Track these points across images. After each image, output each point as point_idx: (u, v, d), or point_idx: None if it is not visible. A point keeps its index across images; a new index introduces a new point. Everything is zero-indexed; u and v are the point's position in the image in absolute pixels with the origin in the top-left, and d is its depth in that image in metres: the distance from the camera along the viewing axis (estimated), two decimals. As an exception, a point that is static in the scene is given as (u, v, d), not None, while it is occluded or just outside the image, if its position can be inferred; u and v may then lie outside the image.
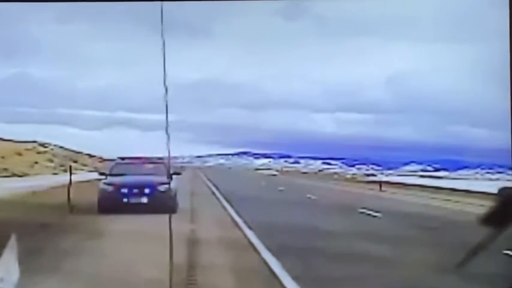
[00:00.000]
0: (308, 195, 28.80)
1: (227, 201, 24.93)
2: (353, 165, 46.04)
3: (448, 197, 29.54)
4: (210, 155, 46.92)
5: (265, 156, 47.77)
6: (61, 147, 37.02)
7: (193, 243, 14.10)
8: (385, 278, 11.00)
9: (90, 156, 38.68)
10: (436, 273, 11.18)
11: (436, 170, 42.46)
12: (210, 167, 45.97)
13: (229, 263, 12.03)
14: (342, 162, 46.45)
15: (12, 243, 3.17)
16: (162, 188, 21.08)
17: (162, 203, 19.56)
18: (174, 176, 21.90)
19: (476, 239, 2.83)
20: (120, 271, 11.03)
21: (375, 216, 21.19)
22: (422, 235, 17.25)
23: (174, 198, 20.49)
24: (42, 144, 36.25)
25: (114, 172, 22.72)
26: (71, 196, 21.41)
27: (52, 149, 36.59)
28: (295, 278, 10.45)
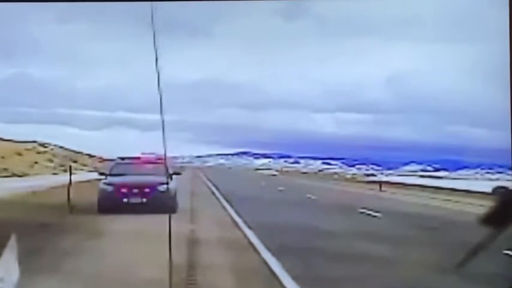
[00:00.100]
0: (308, 195, 28.81)
1: (227, 201, 24.93)
2: (353, 165, 46.08)
3: (448, 197, 29.56)
4: (210, 155, 46.95)
5: (265, 156, 47.80)
6: (61, 147, 37.03)
7: (193, 243, 14.11)
8: (385, 278, 11.00)
9: (90, 156, 38.68)
10: (436, 273, 11.18)
11: (436, 170, 42.49)
12: (210, 167, 45.99)
13: (229, 263, 12.03)
14: (342, 162, 46.48)
15: (12, 243, 3.17)
16: (161, 188, 21.08)
17: (161, 203, 19.56)
18: (173, 176, 21.91)
19: (476, 239, 2.83)
20: (120, 271, 11.03)
21: (374, 216, 21.19)
22: (422, 235, 17.26)
23: (173, 198, 20.49)
24: (42, 144, 36.26)
25: (114, 172, 22.72)
26: (71, 196, 21.41)
27: (52, 149, 36.59)
28: (295, 278, 10.45)
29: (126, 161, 23.75)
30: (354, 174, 44.96)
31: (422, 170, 42.81)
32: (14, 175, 31.03)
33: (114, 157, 24.92)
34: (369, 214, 21.68)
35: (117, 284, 10.33)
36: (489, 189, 25.17)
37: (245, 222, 18.15)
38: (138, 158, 23.64)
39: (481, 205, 19.16)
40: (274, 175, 44.63)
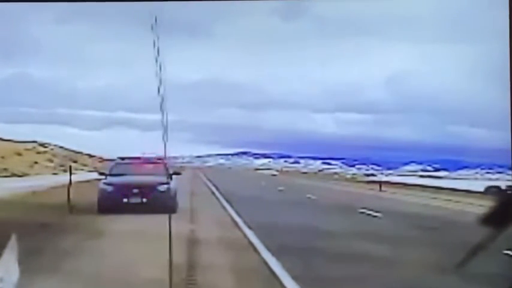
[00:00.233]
0: (308, 195, 28.80)
1: (227, 201, 24.92)
2: (353, 165, 46.03)
3: (448, 197, 29.54)
4: (209, 155, 46.90)
5: (265, 156, 47.75)
6: (61, 147, 37.01)
7: (193, 243, 14.10)
8: (385, 278, 11.00)
9: (90, 156, 38.66)
10: (436, 273, 11.18)
11: (436, 170, 42.46)
12: (209, 167, 45.95)
13: (229, 263, 12.03)
14: (342, 162, 46.43)
15: (12, 243, 3.17)
16: (161, 188, 21.08)
17: (161, 203, 19.56)
18: (173, 176, 21.90)
19: (476, 239, 2.83)
20: (120, 271, 11.03)
21: (375, 216, 21.19)
22: (423, 235, 17.25)
23: (173, 198, 20.48)
24: (42, 144, 36.25)
25: (113, 172, 22.71)
26: (71, 196, 21.40)
27: (52, 149, 36.58)
28: (295, 278, 10.45)
29: (126, 161, 23.74)
30: (354, 174, 44.91)
31: (422, 170, 42.78)
32: (14, 175, 31.02)
33: (114, 157, 24.92)
34: (369, 214, 21.68)
35: (117, 284, 10.33)
36: (508, 191, 25.15)
37: (245, 222, 18.15)
38: (138, 158, 23.63)
39: (481, 205, 19.15)
40: (274, 175, 44.60)
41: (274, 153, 47.84)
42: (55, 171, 34.03)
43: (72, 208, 20.42)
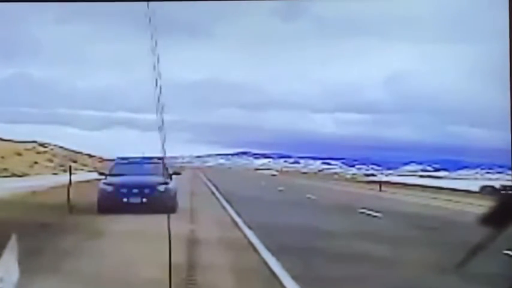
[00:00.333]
0: (308, 195, 28.79)
1: (227, 201, 24.92)
2: (353, 165, 46.00)
3: (448, 197, 29.54)
4: (209, 155, 46.87)
5: (265, 156, 47.72)
6: (61, 147, 37.00)
7: (193, 243, 14.11)
8: (385, 278, 11.00)
9: (90, 156, 38.66)
10: (436, 273, 11.18)
11: (436, 170, 42.43)
12: (209, 167, 45.92)
13: (229, 263, 12.04)
14: (342, 162, 46.40)
15: (12, 243, 3.17)
16: (161, 188, 21.09)
17: (161, 203, 19.56)
18: (173, 176, 21.91)
19: (476, 239, 2.83)
20: (120, 271, 11.03)
21: (375, 216, 21.19)
22: (423, 235, 17.25)
23: (173, 198, 20.49)
24: (42, 144, 36.23)
25: (113, 172, 22.72)
26: (71, 196, 21.40)
27: (52, 149, 36.57)
28: (295, 278, 10.45)
29: (126, 161, 23.74)
30: (353, 174, 44.89)
31: (422, 170, 42.76)
32: (13, 175, 31.01)
33: (114, 157, 24.91)
34: (369, 214, 21.68)
35: (117, 284, 10.33)
36: (502, 191, 25.14)
37: (245, 222, 18.15)
38: (138, 158, 23.62)
39: (481, 205, 19.15)
40: (274, 175, 44.58)
41: (274, 153, 47.81)
42: (55, 171, 34.02)
43: (72, 208, 20.41)
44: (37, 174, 32.91)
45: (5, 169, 31.37)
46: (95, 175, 24.76)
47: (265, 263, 11.88)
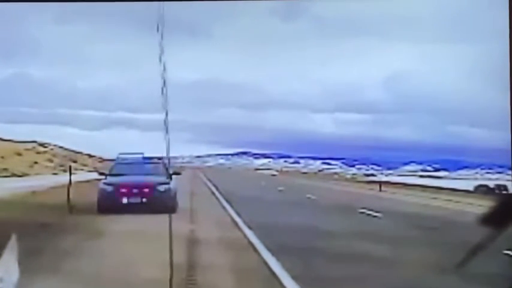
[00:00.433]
0: (308, 195, 28.79)
1: (227, 201, 24.92)
2: (353, 165, 45.96)
3: (448, 197, 29.54)
4: (209, 155, 46.85)
5: (265, 156, 47.68)
6: (61, 147, 36.99)
7: (193, 243, 14.10)
8: (385, 278, 11.00)
9: (90, 156, 38.66)
10: (436, 273, 11.18)
11: (436, 170, 42.40)
12: (209, 167, 45.91)
13: (229, 263, 12.03)
14: (342, 162, 46.36)
15: (12, 243, 3.17)
16: (161, 188, 21.09)
17: (161, 203, 19.57)
18: (173, 176, 21.90)
19: (476, 239, 2.83)
20: (120, 271, 11.03)
21: (375, 216, 21.18)
22: (423, 235, 17.25)
23: (173, 198, 20.48)
24: (42, 144, 36.22)
25: (113, 172, 22.71)
26: (71, 196, 21.40)
27: (52, 149, 36.56)
28: (295, 278, 10.45)
29: (126, 161, 23.73)
30: (353, 174, 44.86)
31: (422, 170, 42.73)
32: (13, 175, 31.01)
33: (114, 157, 24.89)
34: (369, 214, 21.67)
35: (117, 284, 10.33)
36: (496, 190, 25.13)
37: (245, 222, 18.14)
38: (138, 158, 23.60)
39: (481, 205, 19.15)
40: (274, 175, 44.56)
41: (274, 153, 47.78)
42: (55, 171, 34.02)
43: (72, 208, 20.41)
44: (37, 174, 32.91)
45: (5, 169, 31.36)
46: (95, 175, 24.75)
47: (265, 263, 11.88)
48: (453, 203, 27.19)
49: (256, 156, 47.46)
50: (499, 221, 2.74)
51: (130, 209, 20.48)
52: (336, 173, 45.60)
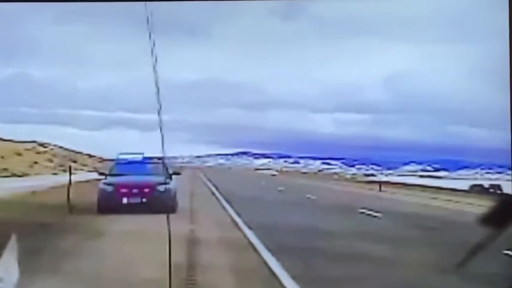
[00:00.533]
0: (308, 195, 28.78)
1: (227, 201, 24.91)
2: (353, 165, 45.96)
3: (448, 197, 29.53)
4: (209, 155, 46.84)
5: (265, 156, 47.67)
6: (61, 147, 36.99)
7: (192, 243, 14.10)
8: (385, 278, 11.00)
9: (90, 156, 38.66)
10: (436, 273, 11.18)
11: (436, 170, 42.40)
12: (209, 167, 45.90)
13: (229, 263, 12.03)
14: (342, 162, 46.35)
15: (12, 243, 3.17)
16: (161, 188, 21.09)
17: (161, 203, 19.56)
18: (173, 176, 21.91)
19: (476, 239, 2.83)
20: (120, 271, 11.03)
21: (374, 216, 21.18)
22: (423, 235, 17.25)
23: (173, 198, 20.49)
24: (42, 144, 36.22)
25: (113, 172, 22.71)
26: (71, 196, 21.40)
27: (52, 149, 36.56)
28: (295, 278, 10.45)
29: (126, 160, 23.73)
30: (353, 174, 44.86)
31: (422, 170, 42.72)
32: (13, 175, 31.00)
33: (114, 157, 24.88)
34: (368, 214, 21.67)
35: (117, 284, 10.33)
36: (490, 190, 25.13)
37: (245, 222, 18.14)
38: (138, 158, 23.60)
39: (481, 205, 19.15)
40: (274, 175, 44.56)
41: (274, 153, 47.78)
42: (55, 171, 34.02)
43: (72, 208, 20.41)
44: (37, 174, 32.91)
45: (5, 169, 31.36)
46: (94, 175, 24.74)
47: (265, 263, 11.88)
48: (453, 203, 27.19)
49: (256, 156, 47.45)
50: (498, 221, 2.74)
51: (130, 209, 20.48)
52: (335, 173, 45.59)
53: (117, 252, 13.02)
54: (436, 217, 21.63)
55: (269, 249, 13.21)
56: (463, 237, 7.29)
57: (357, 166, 45.35)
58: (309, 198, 28.28)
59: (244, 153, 47.44)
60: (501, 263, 11.35)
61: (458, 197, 29.40)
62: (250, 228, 16.80)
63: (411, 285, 10.71)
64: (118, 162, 23.78)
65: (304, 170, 46.33)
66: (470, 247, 2.83)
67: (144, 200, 21.02)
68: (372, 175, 41.83)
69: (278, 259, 12.03)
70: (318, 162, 46.44)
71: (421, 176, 41.25)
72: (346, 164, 45.96)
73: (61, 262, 11.70)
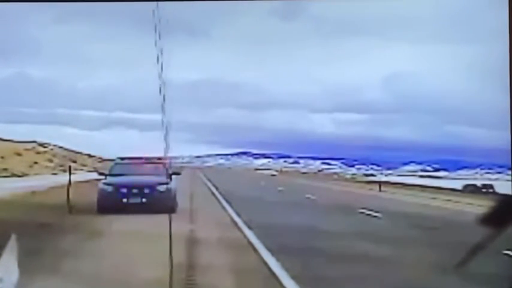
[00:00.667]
0: (307, 196, 28.79)
1: (226, 201, 24.92)
2: (353, 165, 46.01)
3: (448, 197, 29.54)
4: (209, 155, 46.90)
5: (265, 156, 47.74)
6: (60, 147, 37.03)
7: (192, 243, 14.10)
8: (385, 278, 11.00)
9: (90, 156, 38.69)
10: (436, 273, 11.18)
11: (436, 170, 42.46)
12: (209, 167, 45.94)
13: (229, 263, 12.03)
14: (342, 162, 46.42)
15: (12, 243, 3.17)
16: (161, 188, 21.09)
17: (161, 203, 19.57)
18: (173, 176, 21.91)
19: (476, 239, 2.83)
20: (120, 271, 11.02)
21: (374, 217, 21.19)
22: (422, 235, 17.25)
23: (173, 198, 20.49)
24: (42, 145, 36.26)
25: (113, 172, 22.71)
26: (71, 196, 21.40)
27: (51, 149, 36.60)
28: (294, 278, 10.45)
29: (126, 161, 23.74)
30: (353, 174, 44.91)
31: (422, 170, 42.78)
32: (13, 175, 31.02)
33: (114, 157, 24.91)
34: (368, 214, 21.68)
35: (117, 284, 10.33)
36: (490, 190, 25.14)
37: (244, 222, 18.14)
38: (138, 158, 23.62)
39: (481, 205, 19.16)
40: (274, 175, 44.60)
41: (273, 153, 47.84)
42: (55, 171, 34.04)
43: (71, 208, 20.41)
44: (37, 174, 32.93)
45: (5, 169, 31.38)
46: (94, 175, 24.75)
47: (265, 263, 11.88)
48: (452, 203, 27.20)
49: (256, 156, 47.49)
50: (498, 221, 2.74)
51: (130, 209, 20.48)
52: (335, 173, 45.63)
53: (117, 252, 13.02)
54: (435, 217, 21.64)
55: (269, 249, 13.21)
56: (463, 237, 7.29)
57: (357, 166, 45.39)
58: (308, 198, 28.28)
59: (244, 153, 47.48)
60: (501, 263, 11.35)
61: (457, 197, 29.41)
62: (249, 228, 16.81)
63: (411, 285, 10.71)
64: (117, 162, 23.79)
65: (304, 170, 46.38)
66: (470, 247, 2.83)
67: (143, 200, 21.03)
68: (372, 175, 41.87)
69: (278, 259, 12.03)
70: (318, 162, 46.49)
71: (421, 176, 41.30)
72: (346, 164, 46.01)
73: (61, 262, 11.70)
